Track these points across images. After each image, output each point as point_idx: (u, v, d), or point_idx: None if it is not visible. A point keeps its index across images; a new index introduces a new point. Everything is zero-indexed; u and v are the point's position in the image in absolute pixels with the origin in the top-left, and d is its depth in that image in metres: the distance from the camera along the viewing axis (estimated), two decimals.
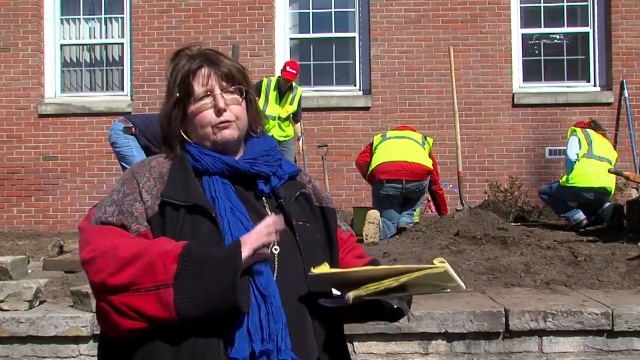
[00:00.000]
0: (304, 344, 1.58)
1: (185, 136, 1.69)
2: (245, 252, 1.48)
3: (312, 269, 1.57)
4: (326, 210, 1.78)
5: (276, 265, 1.59)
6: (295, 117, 8.17)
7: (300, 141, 8.31)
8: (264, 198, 1.69)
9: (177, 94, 1.66)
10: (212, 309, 1.45)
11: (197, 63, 1.68)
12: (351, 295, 1.52)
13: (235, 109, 1.67)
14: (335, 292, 1.61)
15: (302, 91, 8.19)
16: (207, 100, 1.65)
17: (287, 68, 7.80)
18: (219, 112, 1.64)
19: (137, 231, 1.57)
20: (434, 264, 1.50)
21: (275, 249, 1.61)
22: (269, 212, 1.65)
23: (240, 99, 1.69)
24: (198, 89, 1.66)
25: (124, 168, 6.59)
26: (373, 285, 1.51)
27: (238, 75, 1.70)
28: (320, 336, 1.62)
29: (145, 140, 6.42)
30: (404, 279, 1.49)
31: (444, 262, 1.48)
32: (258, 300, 1.51)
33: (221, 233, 1.55)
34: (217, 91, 1.65)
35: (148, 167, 1.67)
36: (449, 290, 1.59)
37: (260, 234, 1.51)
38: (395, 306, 1.61)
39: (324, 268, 1.57)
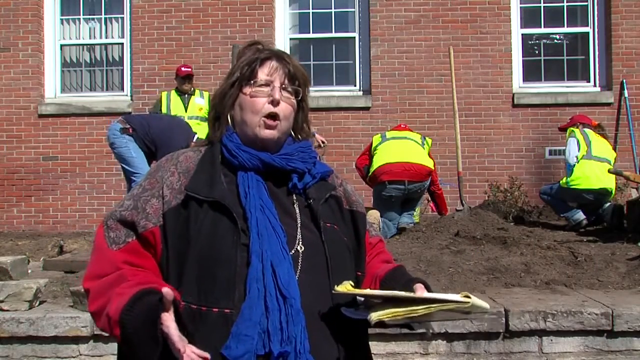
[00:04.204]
0: (324, 348, 1.57)
1: (230, 122, 1.71)
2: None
3: (335, 286, 1.57)
4: (356, 214, 1.78)
5: (299, 265, 1.59)
6: None
7: (317, 136, 8.01)
8: (294, 195, 1.69)
9: (239, 74, 1.70)
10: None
11: (266, 54, 1.72)
12: (374, 317, 1.53)
13: (285, 107, 1.69)
14: (359, 299, 1.62)
15: None
16: (265, 89, 1.68)
17: None
18: (273, 102, 1.67)
19: (144, 227, 1.61)
20: (461, 296, 1.50)
21: (300, 247, 1.62)
22: (298, 211, 1.67)
23: (293, 100, 1.72)
24: (261, 75, 1.69)
25: (124, 169, 6.60)
26: (395, 312, 1.52)
27: (300, 79, 1.73)
28: (342, 340, 1.61)
29: (141, 141, 6.45)
30: (427, 311, 1.49)
31: (469, 297, 1.48)
32: (279, 302, 1.51)
33: (239, 231, 1.57)
34: (277, 84, 1.68)
35: (175, 161, 1.70)
36: (472, 315, 1.60)
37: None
38: (415, 329, 1.65)
39: (347, 287, 1.56)
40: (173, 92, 7.52)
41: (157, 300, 1.44)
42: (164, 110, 7.34)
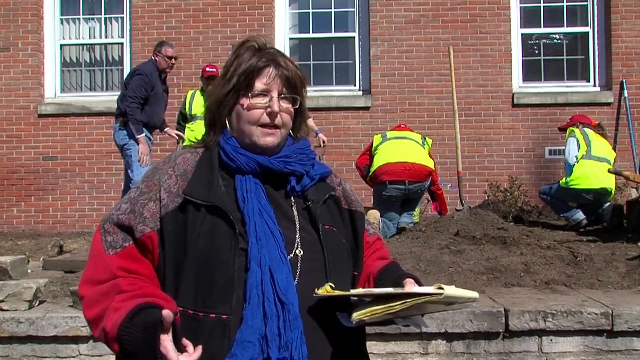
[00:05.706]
0: (322, 352, 1.57)
1: (228, 126, 1.70)
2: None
3: (316, 290, 1.56)
4: (355, 214, 1.77)
5: (299, 269, 1.58)
6: None
7: (321, 135, 7.68)
8: (292, 198, 1.68)
9: (235, 82, 1.67)
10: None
11: (264, 62, 1.68)
12: (355, 317, 1.53)
13: (284, 116, 1.68)
14: (353, 299, 1.61)
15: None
16: (263, 100, 1.66)
17: None
18: (271, 114, 1.65)
19: (142, 232, 1.59)
20: (440, 288, 1.49)
21: (299, 251, 1.61)
22: (296, 213, 1.66)
23: (292, 108, 1.70)
24: (259, 85, 1.66)
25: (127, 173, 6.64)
26: (374, 311, 1.52)
27: (298, 84, 1.71)
28: (340, 343, 1.61)
29: (134, 108, 6.44)
30: (403, 306, 1.49)
31: (442, 288, 1.47)
32: (277, 308, 1.51)
33: (237, 236, 1.56)
34: (275, 94, 1.66)
35: (173, 163, 1.68)
36: (459, 306, 1.59)
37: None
38: (401, 326, 1.62)
39: (327, 289, 1.56)
40: (198, 92, 7.36)
41: (156, 317, 1.44)
42: (186, 108, 7.26)
